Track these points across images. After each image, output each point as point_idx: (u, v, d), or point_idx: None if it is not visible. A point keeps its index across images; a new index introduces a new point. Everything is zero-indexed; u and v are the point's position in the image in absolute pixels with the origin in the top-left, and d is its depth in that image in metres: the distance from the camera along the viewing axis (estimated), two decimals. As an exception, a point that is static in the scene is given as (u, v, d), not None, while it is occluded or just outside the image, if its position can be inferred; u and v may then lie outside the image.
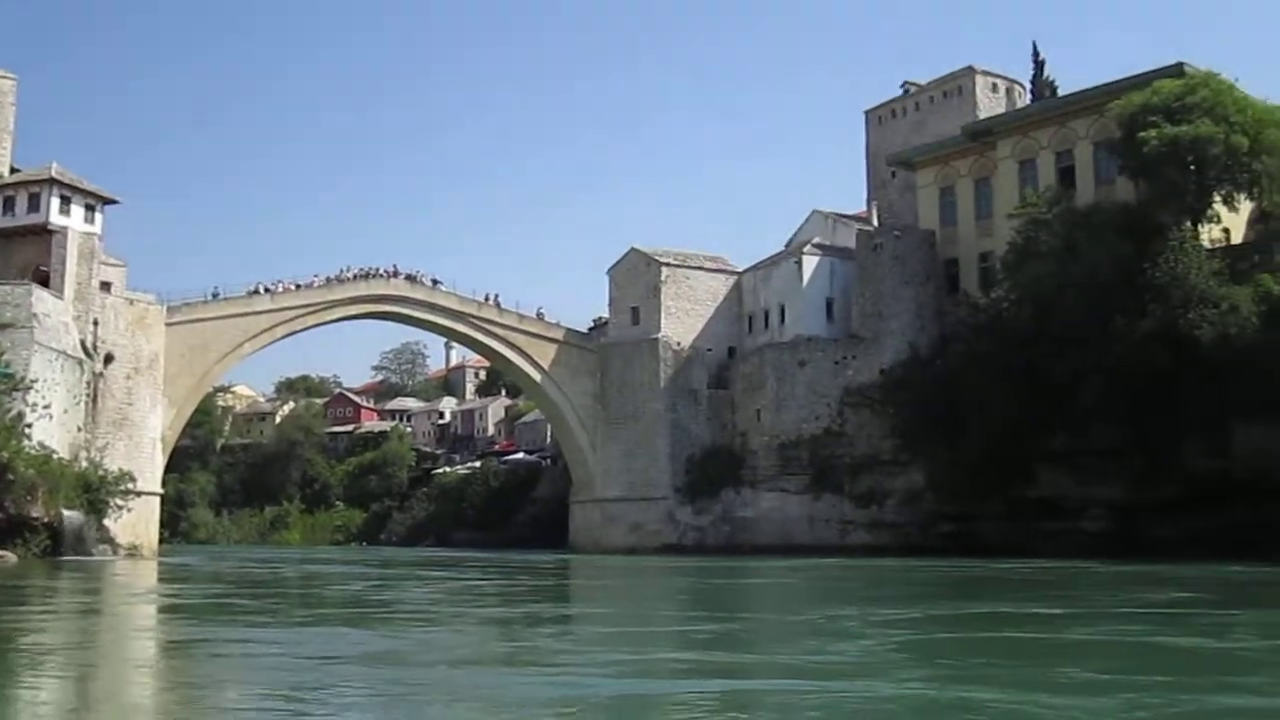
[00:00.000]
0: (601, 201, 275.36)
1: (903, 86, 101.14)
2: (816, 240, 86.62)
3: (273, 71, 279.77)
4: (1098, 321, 60.97)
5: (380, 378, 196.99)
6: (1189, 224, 64.03)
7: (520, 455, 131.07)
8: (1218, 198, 65.01)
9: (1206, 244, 64.36)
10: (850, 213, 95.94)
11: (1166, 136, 61.29)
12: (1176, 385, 58.02)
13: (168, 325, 76.28)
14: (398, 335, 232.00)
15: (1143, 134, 62.43)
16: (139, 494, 69.67)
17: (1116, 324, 60.20)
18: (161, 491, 78.38)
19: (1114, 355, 59.97)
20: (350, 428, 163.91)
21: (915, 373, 75.45)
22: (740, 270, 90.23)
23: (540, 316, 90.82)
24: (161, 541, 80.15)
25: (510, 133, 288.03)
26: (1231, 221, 68.75)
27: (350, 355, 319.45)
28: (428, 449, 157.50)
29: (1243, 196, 66.14)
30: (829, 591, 39.73)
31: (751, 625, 26.71)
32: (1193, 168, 62.93)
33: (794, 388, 79.81)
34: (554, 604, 35.84)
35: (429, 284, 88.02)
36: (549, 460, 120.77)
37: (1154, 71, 68.72)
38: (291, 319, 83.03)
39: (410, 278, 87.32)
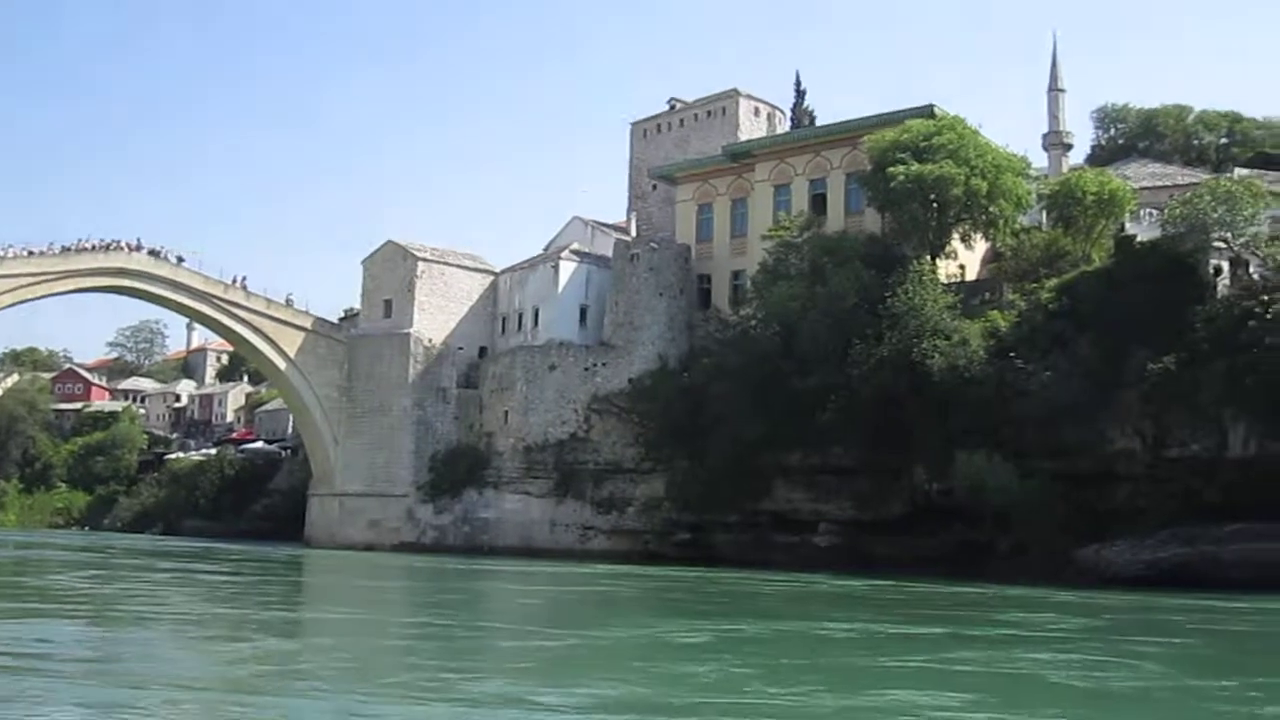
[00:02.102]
0: (360, 192, 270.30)
1: (669, 102, 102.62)
2: (575, 246, 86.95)
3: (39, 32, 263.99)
4: (840, 345, 62.90)
5: (115, 355, 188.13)
6: (929, 258, 66.68)
7: (259, 444, 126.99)
8: (956, 235, 68.12)
9: (944, 278, 67.20)
10: (610, 222, 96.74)
11: (912, 174, 63.76)
12: (908, 411, 60.56)
13: (-121, 286, 71.24)
14: (136, 312, 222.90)
15: (891, 169, 64.77)
16: None
17: (856, 349, 62.26)
18: None
19: (853, 378, 62.08)
20: (79, 405, 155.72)
21: (663, 383, 76.37)
22: (498, 271, 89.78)
23: (289, 303, 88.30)
24: None
25: (271, 114, 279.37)
26: (967, 259, 72.40)
27: (83, 329, 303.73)
28: (161, 433, 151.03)
29: (979, 236, 69.65)
30: (574, 602, 39.91)
31: (486, 636, 26.59)
32: (935, 205, 65.65)
33: (543, 391, 79.83)
34: (286, 606, 34.92)
35: (173, 261, 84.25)
36: (289, 451, 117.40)
37: (907, 110, 71.29)
38: (20, 287, 78.26)
39: (153, 253, 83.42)
